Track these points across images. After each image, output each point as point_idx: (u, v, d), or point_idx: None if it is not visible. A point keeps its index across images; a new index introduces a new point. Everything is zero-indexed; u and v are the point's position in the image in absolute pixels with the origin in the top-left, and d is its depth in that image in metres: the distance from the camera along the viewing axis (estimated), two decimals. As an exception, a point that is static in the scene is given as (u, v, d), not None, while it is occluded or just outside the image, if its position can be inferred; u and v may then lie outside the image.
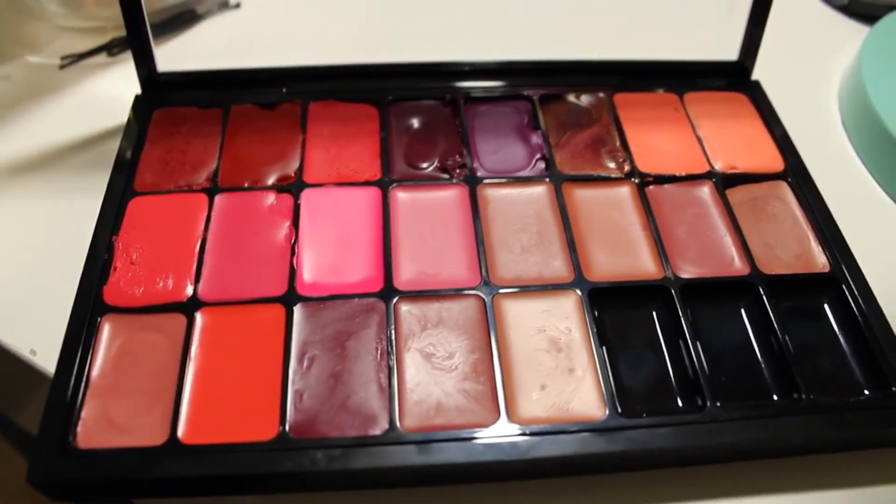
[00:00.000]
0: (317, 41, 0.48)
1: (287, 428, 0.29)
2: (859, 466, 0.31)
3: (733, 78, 0.43)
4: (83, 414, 0.29)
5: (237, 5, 0.51)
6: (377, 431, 0.29)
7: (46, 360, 0.33)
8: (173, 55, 0.43)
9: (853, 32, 0.51)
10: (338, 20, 0.50)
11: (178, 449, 0.28)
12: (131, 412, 0.30)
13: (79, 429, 0.29)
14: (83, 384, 0.30)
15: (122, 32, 0.47)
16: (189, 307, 0.32)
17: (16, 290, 0.35)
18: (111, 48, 0.47)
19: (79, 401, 0.30)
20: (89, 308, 0.32)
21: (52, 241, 0.37)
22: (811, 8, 0.54)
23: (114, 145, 0.39)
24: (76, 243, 0.35)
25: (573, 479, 0.30)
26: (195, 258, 0.34)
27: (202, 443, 0.28)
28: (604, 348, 0.32)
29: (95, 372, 0.31)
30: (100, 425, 0.29)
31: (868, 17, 0.51)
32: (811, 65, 0.49)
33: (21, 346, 0.34)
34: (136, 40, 0.39)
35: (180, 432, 0.29)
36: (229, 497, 0.30)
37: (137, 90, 0.41)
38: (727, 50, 0.43)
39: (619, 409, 0.30)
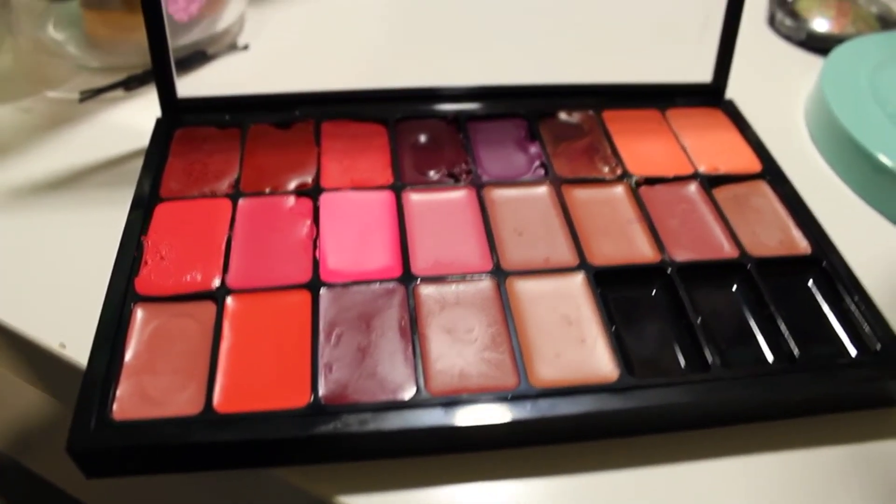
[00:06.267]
0: (322, 77, 0.51)
1: (318, 396, 0.30)
2: (852, 425, 0.33)
3: (709, 97, 0.47)
4: (118, 391, 0.30)
5: (245, 47, 0.55)
6: (405, 396, 0.30)
7: (77, 353, 0.34)
8: (186, 91, 0.46)
9: (812, 63, 0.56)
10: (342, 57, 0.54)
11: (214, 417, 0.30)
12: (166, 388, 0.31)
13: (115, 404, 0.30)
14: (117, 365, 0.31)
15: (138, 70, 0.51)
16: (218, 295, 0.34)
17: (46, 295, 0.37)
18: (128, 83, 0.50)
19: (114, 379, 0.31)
20: (121, 297, 0.34)
21: (81, 250, 0.39)
22: (773, 44, 0.59)
23: (135, 166, 0.42)
24: (103, 250, 0.36)
25: (589, 444, 0.32)
26: (222, 254, 0.36)
27: (237, 411, 0.30)
28: (612, 325, 0.34)
29: (129, 354, 0.32)
30: (135, 400, 0.30)
31: (824, 50, 0.56)
32: (777, 91, 0.54)
33: (51, 342, 0.35)
34: (158, 64, 0.42)
35: (215, 402, 0.30)
36: (261, 472, 0.31)
37: (155, 119, 0.44)
38: (701, 75, 0.47)
39: (631, 372, 0.32)
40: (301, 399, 0.30)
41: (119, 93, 0.50)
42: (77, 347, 0.34)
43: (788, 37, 0.59)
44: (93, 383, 0.30)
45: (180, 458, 0.30)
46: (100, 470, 0.30)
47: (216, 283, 0.35)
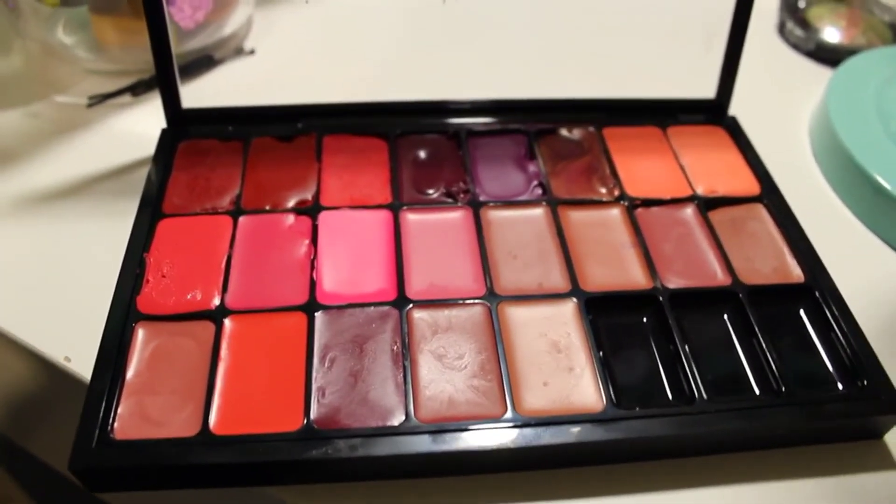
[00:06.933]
0: (326, 84, 0.52)
1: (311, 420, 0.31)
2: (834, 459, 0.34)
3: (711, 114, 0.47)
4: (120, 410, 0.32)
5: (252, 52, 0.55)
6: (395, 422, 0.31)
7: (81, 367, 0.35)
8: (194, 96, 0.46)
9: (820, 74, 0.56)
10: (346, 64, 0.54)
11: (210, 439, 0.31)
12: (165, 408, 0.32)
13: (116, 423, 0.31)
14: (119, 383, 0.32)
15: (145, 75, 0.51)
16: (217, 315, 0.35)
17: (51, 306, 0.38)
18: (135, 89, 0.51)
19: (115, 398, 0.32)
20: (124, 316, 0.35)
21: (85, 261, 0.40)
22: (781, 53, 0.59)
23: (140, 175, 0.43)
24: (108, 262, 0.38)
25: (574, 470, 0.33)
26: (222, 272, 0.37)
27: (232, 433, 0.31)
28: (600, 351, 0.35)
29: (130, 373, 0.33)
30: (135, 420, 0.31)
31: (832, 61, 0.56)
32: (783, 103, 0.54)
33: (56, 354, 0.36)
34: (163, 77, 0.42)
35: (212, 424, 0.31)
36: (256, 489, 0.32)
37: (161, 127, 0.45)
38: (705, 89, 0.47)
39: (616, 403, 0.32)
40: (294, 423, 0.31)
41: (126, 98, 0.51)
42: (81, 361, 0.36)
43: (797, 46, 0.59)
44: (95, 402, 0.32)
45: (178, 476, 0.31)
46: (101, 485, 0.31)
47: (215, 302, 0.35)
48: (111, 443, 0.31)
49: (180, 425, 0.31)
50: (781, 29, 0.60)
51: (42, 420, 0.51)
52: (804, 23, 0.59)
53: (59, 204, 0.43)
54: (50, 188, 0.44)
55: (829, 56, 0.57)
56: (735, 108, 0.48)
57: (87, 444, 0.30)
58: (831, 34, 0.58)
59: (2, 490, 0.71)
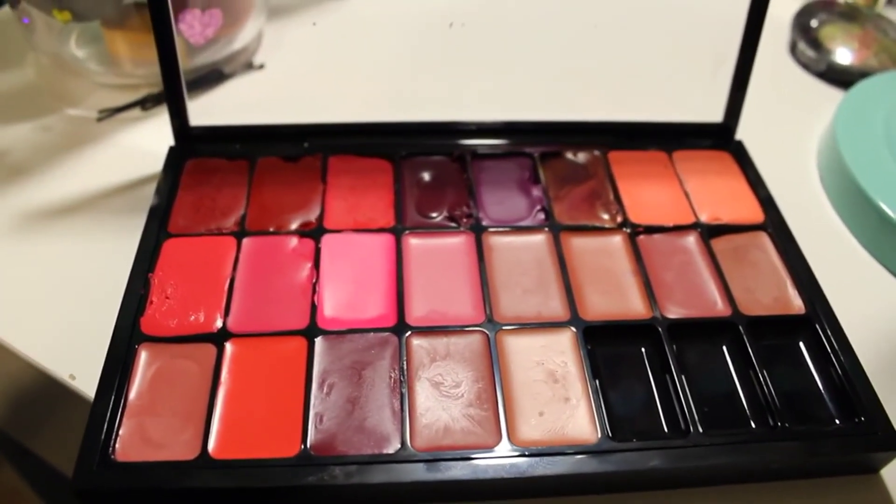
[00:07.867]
0: (334, 100, 0.52)
1: (308, 446, 0.32)
2: (829, 492, 0.34)
3: (718, 138, 0.47)
4: (121, 431, 0.32)
5: (261, 66, 0.56)
6: (390, 450, 0.32)
7: (85, 384, 0.36)
8: (203, 111, 0.47)
9: (830, 96, 0.55)
10: (354, 81, 0.55)
11: (209, 463, 0.31)
12: (166, 431, 0.32)
13: (117, 444, 0.32)
14: (121, 405, 0.33)
15: (155, 89, 0.52)
16: (219, 338, 0.35)
17: (57, 322, 0.38)
18: (145, 103, 0.52)
19: (117, 419, 0.32)
20: (128, 337, 0.35)
21: (91, 278, 0.40)
22: (792, 73, 0.59)
23: (148, 191, 0.43)
24: (114, 280, 0.38)
25: (567, 499, 0.33)
26: (224, 294, 0.37)
27: (231, 458, 0.31)
28: (597, 381, 0.35)
29: (133, 394, 0.33)
30: (136, 441, 0.32)
31: (843, 82, 0.55)
32: (792, 125, 0.53)
33: (61, 371, 0.37)
34: (171, 96, 0.43)
35: (211, 448, 0.31)
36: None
37: (169, 142, 0.45)
38: (713, 112, 0.47)
39: (611, 434, 0.33)
40: (291, 448, 0.32)
41: (136, 112, 0.51)
42: (84, 378, 0.36)
43: (808, 67, 0.58)
44: (97, 424, 0.32)
45: (177, 500, 0.32)
46: (101, 507, 0.32)
47: (217, 324, 0.36)
48: (112, 465, 0.31)
49: (180, 448, 0.32)
50: (793, 49, 0.60)
51: (46, 425, 0.51)
52: (816, 43, 0.58)
53: (67, 219, 0.44)
54: (58, 203, 0.45)
55: (841, 77, 0.56)
56: (743, 128, 0.47)
57: (88, 465, 0.31)
58: (843, 55, 0.57)
59: (10, 485, 0.72)
